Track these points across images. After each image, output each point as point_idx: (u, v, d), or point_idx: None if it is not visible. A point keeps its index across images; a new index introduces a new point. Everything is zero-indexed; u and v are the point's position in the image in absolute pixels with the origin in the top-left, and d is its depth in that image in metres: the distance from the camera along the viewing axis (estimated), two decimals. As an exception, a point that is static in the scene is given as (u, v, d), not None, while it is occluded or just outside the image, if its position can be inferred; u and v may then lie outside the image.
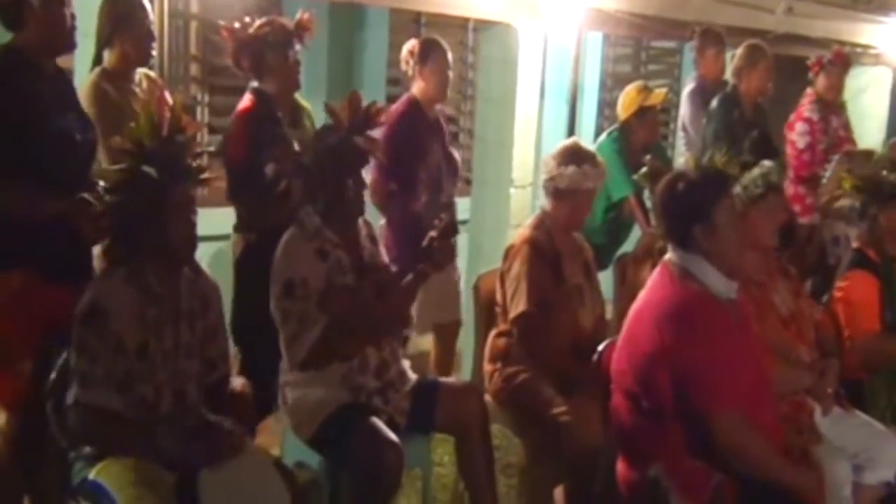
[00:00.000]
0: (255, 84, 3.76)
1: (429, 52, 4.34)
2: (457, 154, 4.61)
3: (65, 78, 3.14)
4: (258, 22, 3.75)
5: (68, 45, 3.03)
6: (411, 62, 4.38)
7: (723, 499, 2.72)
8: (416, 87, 4.39)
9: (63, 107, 3.00)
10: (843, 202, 3.95)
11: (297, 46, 3.77)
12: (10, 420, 2.99)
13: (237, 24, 3.75)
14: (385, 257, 3.38)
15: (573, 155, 3.58)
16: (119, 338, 2.56)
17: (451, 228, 3.25)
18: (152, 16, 3.63)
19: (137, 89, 3.56)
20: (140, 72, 3.62)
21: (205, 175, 2.77)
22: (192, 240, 2.71)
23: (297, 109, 3.87)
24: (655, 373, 2.76)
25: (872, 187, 3.72)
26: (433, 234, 3.22)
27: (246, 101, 3.75)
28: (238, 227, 3.78)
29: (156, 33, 3.87)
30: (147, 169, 2.61)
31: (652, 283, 2.93)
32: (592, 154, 3.64)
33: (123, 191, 2.66)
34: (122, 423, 2.56)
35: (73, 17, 2.96)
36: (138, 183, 2.62)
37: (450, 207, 4.45)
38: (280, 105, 3.75)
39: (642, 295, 2.95)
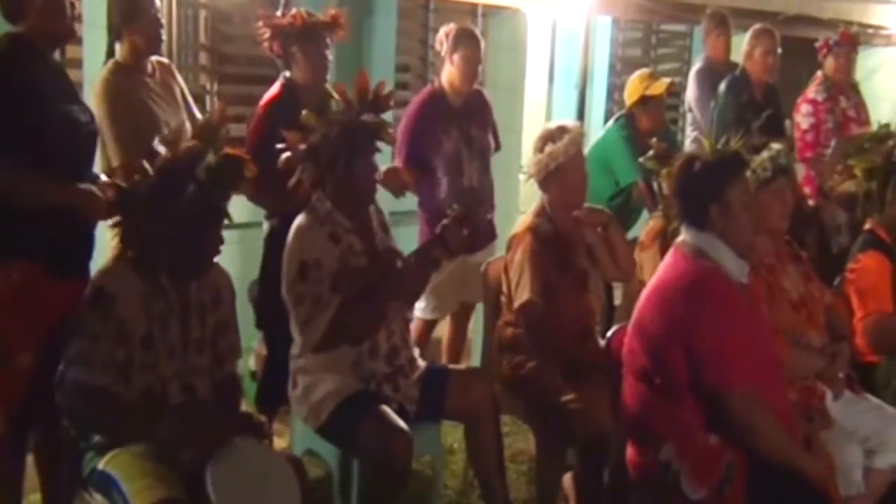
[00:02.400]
0: (286, 73, 3.82)
1: (461, 40, 4.34)
2: (491, 138, 4.56)
3: (62, 70, 3.12)
4: (293, 12, 3.79)
5: (68, 35, 3.03)
6: (445, 45, 4.39)
7: (733, 480, 2.73)
8: (445, 72, 4.41)
9: (66, 95, 3.00)
10: (847, 187, 3.91)
11: (327, 41, 3.79)
12: (2, 413, 2.96)
13: (277, 12, 3.80)
14: (396, 244, 3.39)
15: (538, 142, 3.58)
16: (123, 323, 2.56)
17: (464, 217, 3.24)
18: (158, 3, 3.63)
19: (150, 80, 3.57)
20: (152, 60, 3.63)
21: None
22: (208, 255, 2.71)
23: (328, 102, 3.88)
24: (670, 349, 2.78)
25: (887, 168, 3.68)
26: (445, 222, 3.23)
27: (274, 89, 3.83)
28: (267, 215, 3.84)
29: (165, 22, 3.87)
30: (202, 181, 2.60)
31: (665, 264, 2.95)
32: (557, 130, 3.59)
33: (159, 191, 2.62)
34: (122, 407, 2.55)
35: (73, 6, 2.95)
36: (168, 194, 2.60)
37: (479, 189, 4.43)
38: (307, 96, 3.76)
39: (655, 276, 2.97)
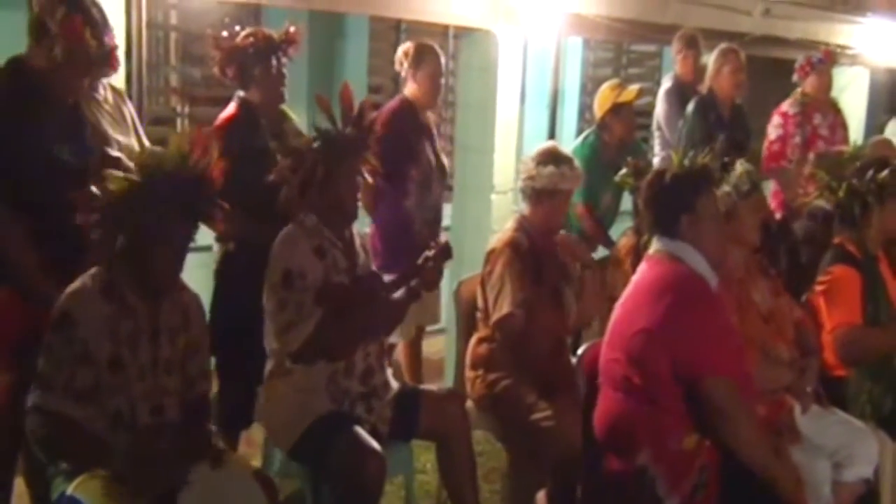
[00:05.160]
0: (241, 93, 3.78)
1: (422, 57, 4.39)
2: (445, 160, 4.65)
3: (67, 103, 3.09)
4: (244, 32, 3.77)
5: (90, 65, 3.05)
6: (405, 64, 4.41)
7: (706, 484, 2.78)
8: (408, 90, 4.45)
9: (61, 132, 2.97)
10: (818, 202, 3.96)
11: (283, 58, 3.78)
12: None
13: (224, 34, 3.77)
14: (373, 266, 3.39)
15: (551, 156, 3.60)
16: (86, 347, 2.53)
17: (447, 252, 3.24)
18: (113, 25, 3.61)
19: (102, 100, 3.55)
20: (105, 84, 3.61)
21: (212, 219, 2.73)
22: (174, 273, 2.69)
23: (283, 120, 3.86)
24: (653, 348, 2.82)
25: (871, 190, 3.72)
26: (428, 254, 3.22)
27: (230, 109, 3.78)
28: (219, 238, 3.79)
29: (135, 44, 3.87)
30: (154, 195, 2.57)
31: (640, 273, 3.01)
32: (570, 157, 3.67)
33: (120, 204, 2.59)
34: (80, 433, 2.52)
35: (93, 30, 2.98)
36: (136, 203, 2.57)
37: (437, 210, 4.48)
38: (264, 115, 3.75)
39: (631, 285, 3.02)
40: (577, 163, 3.69)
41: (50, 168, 2.88)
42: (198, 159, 2.64)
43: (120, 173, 2.61)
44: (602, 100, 5.02)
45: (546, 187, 3.57)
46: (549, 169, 3.56)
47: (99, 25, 3.00)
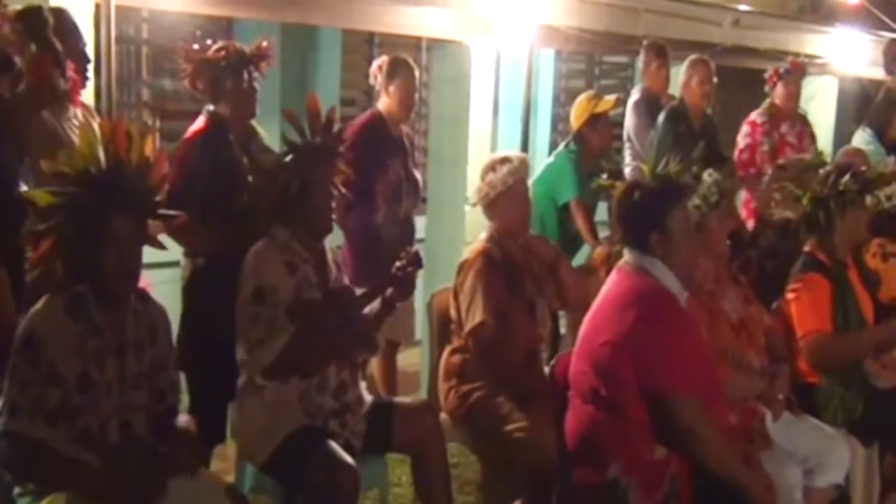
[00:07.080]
0: (210, 107, 3.76)
1: (395, 70, 4.40)
2: (419, 175, 4.65)
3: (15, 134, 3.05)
4: (216, 46, 3.75)
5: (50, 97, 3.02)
6: (379, 77, 4.42)
7: (679, 492, 2.79)
8: (382, 104, 4.45)
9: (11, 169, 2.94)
10: (784, 214, 4.00)
11: (255, 73, 3.77)
12: None
13: (195, 46, 3.75)
14: (347, 280, 3.38)
15: (487, 166, 3.64)
16: (53, 368, 2.48)
17: (418, 261, 3.25)
18: (86, 38, 3.60)
19: (74, 119, 3.53)
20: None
21: (162, 211, 2.68)
22: (128, 274, 2.63)
23: (251, 135, 3.85)
24: (618, 360, 2.82)
25: (833, 196, 3.77)
26: (399, 264, 3.22)
27: (199, 122, 3.74)
28: (187, 253, 3.76)
29: (104, 58, 3.85)
30: (80, 196, 2.52)
31: (609, 283, 3.01)
32: (505, 157, 3.67)
33: (56, 216, 2.54)
34: (50, 455, 2.47)
35: (57, 61, 2.95)
36: (70, 210, 2.53)
37: (408, 223, 4.48)
38: (234, 129, 3.73)
39: (600, 296, 3.02)
40: (515, 156, 3.68)
41: (8, 200, 2.85)
42: (125, 150, 2.58)
43: (39, 190, 2.56)
44: (578, 112, 5.04)
45: (486, 198, 3.59)
46: (493, 174, 3.58)
47: (63, 63, 2.96)
